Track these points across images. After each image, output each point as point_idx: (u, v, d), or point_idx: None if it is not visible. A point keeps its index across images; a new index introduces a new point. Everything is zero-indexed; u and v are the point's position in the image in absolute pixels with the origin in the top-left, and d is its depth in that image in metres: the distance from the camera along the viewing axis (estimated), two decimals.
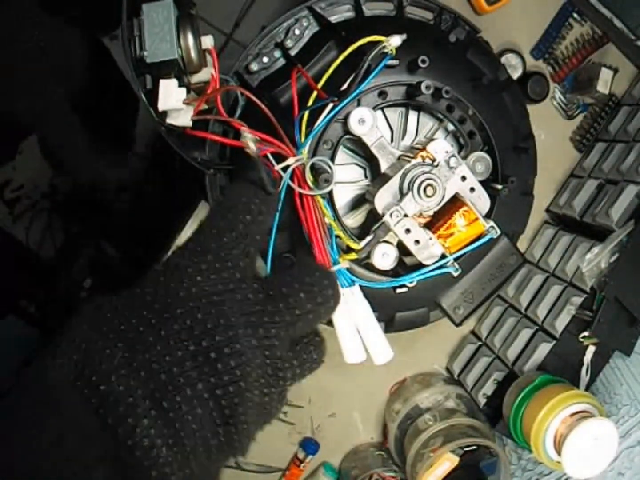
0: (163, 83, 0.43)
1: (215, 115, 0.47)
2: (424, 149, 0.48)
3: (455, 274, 0.50)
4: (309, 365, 0.33)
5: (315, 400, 0.71)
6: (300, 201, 0.48)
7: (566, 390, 0.56)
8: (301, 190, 0.47)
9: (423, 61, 0.48)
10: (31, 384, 0.27)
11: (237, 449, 0.29)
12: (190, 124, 0.45)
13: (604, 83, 0.66)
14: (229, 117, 0.48)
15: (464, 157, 0.50)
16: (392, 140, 0.56)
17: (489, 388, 0.66)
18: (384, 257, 0.49)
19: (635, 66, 0.70)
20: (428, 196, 0.47)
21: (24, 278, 1.15)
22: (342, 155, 0.55)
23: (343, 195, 0.56)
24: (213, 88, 0.46)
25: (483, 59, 0.56)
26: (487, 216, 0.50)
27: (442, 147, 0.48)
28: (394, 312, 0.56)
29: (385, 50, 0.48)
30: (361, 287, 0.50)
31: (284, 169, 0.47)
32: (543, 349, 0.61)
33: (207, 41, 0.46)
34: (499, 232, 0.49)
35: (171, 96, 0.43)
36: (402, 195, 0.48)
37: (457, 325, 0.57)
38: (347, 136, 0.50)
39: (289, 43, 0.53)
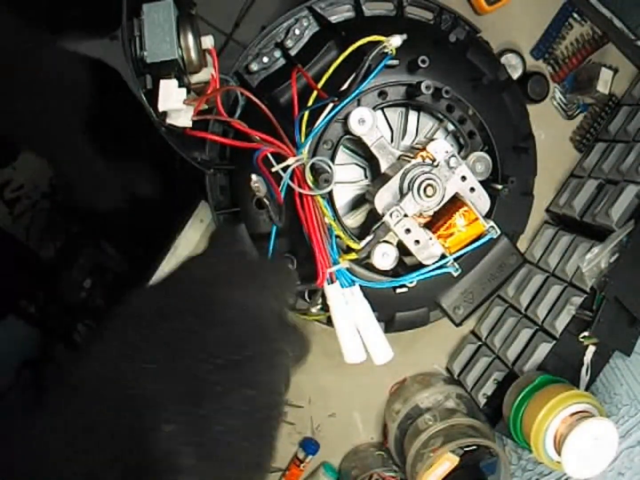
0: (163, 83, 0.43)
1: (215, 115, 0.47)
2: (424, 149, 0.48)
3: (455, 274, 0.50)
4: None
5: (315, 400, 0.71)
6: (300, 201, 0.48)
7: (566, 390, 0.56)
8: (301, 190, 0.47)
9: (423, 61, 0.48)
10: (56, 378, 0.27)
11: (262, 467, 0.28)
12: (190, 124, 0.45)
13: (604, 83, 0.66)
14: (229, 117, 0.48)
15: (464, 157, 0.50)
16: (392, 140, 0.56)
17: (489, 388, 0.66)
18: (384, 257, 0.49)
19: (635, 66, 0.70)
20: (428, 196, 0.47)
21: (24, 278, 1.15)
22: (342, 155, 0.55)
23: (343, 195, 0.56)
24: (213, 88, 0.46)
25: (483, 59, 0.56)
26: (487, 216, 0.50)
27: (442, 147, 0.48)
28: (394, 312, 0.56)
29: (386, 50, 0.48)
30: (361, 287, 0.50)
31: (284, 169, 0.47)
32: (543, 349, 0.61)
33: (207, 41, 0.46)
34: (499, 232, 0.49)
35: (171, 96, 0.43)
36: (402, 195, 0.48)
37: (457, 325, 0.58)
38: (347, 136, 0.50)
39: (289, 43, 0.53)
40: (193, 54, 0.44)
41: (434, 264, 0.50)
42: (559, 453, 0.55)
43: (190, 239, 0.59)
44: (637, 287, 0.57)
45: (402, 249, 0.49)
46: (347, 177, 0.56)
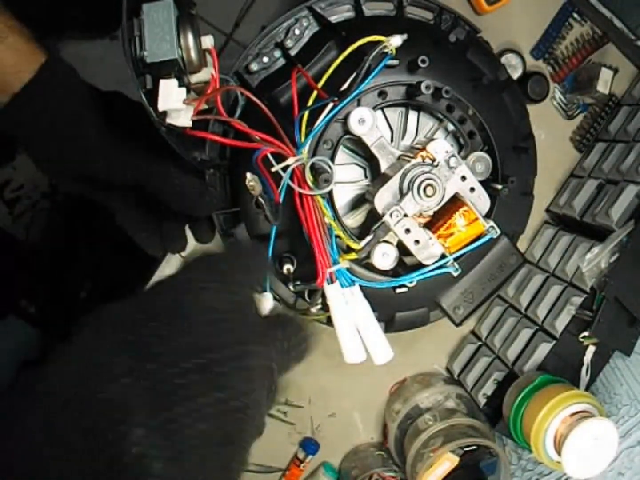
0: (163, 83, 0.42)
1: (215, 115, 0.47)
2: (424, 148, 0.48)
3: (455, 274, 0.50)
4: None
5: (315, 400, 0.71)
6: (300, 201, 0.48)
7: (566, 390, 0.56)
8: (301, 190, 0.47)
9: (423, 61, 0.48)
10: (30, 387, 0.27)
11: (233, 472, 0.28)
12: (190, 124, 0.45)
13: (604, 83, 0.66)
14: (229, 117, 0.48)
15: (464, 157, 0.50)
16: (392, 140, 0.56)
17: (489, 388, 0.66)
18: (384, 257, 0.49)
19: (635, 66, 0.70)
20: (428, 196, 0.47)
21: (24, 278, 1.15)
22: (342, 155, 0.55)
23: (343, 195, 0.56)
24: (213, 88, 0.46)
25: (483, 59, 0.56)
26: (487, 216, 0.50)
27: (442, 147, 0.48)
28: (394, 312, 0.56)
29: (386, 50, 0.48)
30: (361, 287, 0.50)
31: (284, 169, 0.47)
32: (543, 349, 0.61)
33: (207, 41, 0.46)
34: (499, 232, 0.49)
35: (171, 96, 0.43)
36: (402, 195, 0.48)
37: (457, 325, 0.58)
38: (347, 136, 0.50)
39: (289, 43, 0.53)
40: (193, 54, 0.44)
41: (434, 264, 0.50)
42: (559, 453, 0.55)
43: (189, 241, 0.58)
44: (637, 287, 0.57)
45: (402, 249, 0.49)
46: (347, 177, 0.56)
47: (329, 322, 0.51)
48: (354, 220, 0.56)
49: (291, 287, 0.52)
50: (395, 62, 0.50)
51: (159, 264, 0.67)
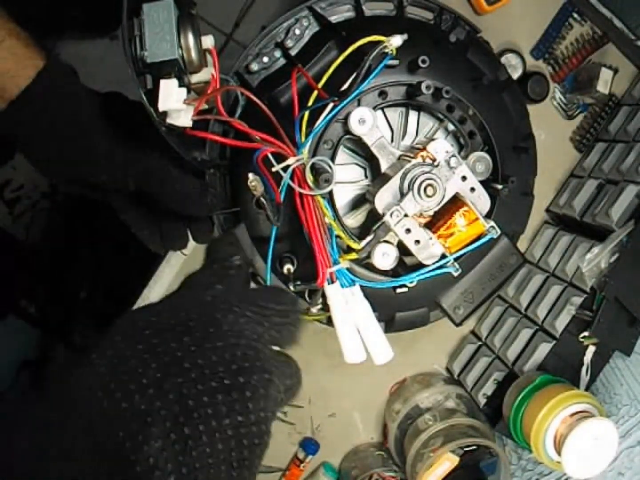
0: (163, 83, 0.42)
1: (216, 115, 0.47)
2: (424, 149, 0.48)
3: (455, 274, 0.50)
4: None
5: (315, 400, 0.71)
6: (301, 201, 0.48)
7: (566, 390, 0.56)
8: (301, 190, 0.47)
9: (423, 61, 0.48)
10: (51, 388, 0.27)
11: None
12: (190, 124, 0.45)
13: (604, 83, 0.66)
14: (229, 117, 0.48)
15: (464, 157, 0.50)
16: (392, 140, 0.56)
17: (489, 388, 0.66)
18: (384, 257, 0.49)
19: (635, 66, 0.70)
20: (428, 196, 0.47)
21: (24, 278, 1.15)
22: (343, 155, 0.55)
23: (343, 195, 0.56)
24: (213, 88, 0.46)
25: (483, 59, 0.56)
26: (487, 216, 0.50)
27: (442, 147, 0.48)
28: (394, 312, 0.56)
29: (386, 50, 0.48)
30: (361, 287, 0.50)
31: (285, 169, 0.47)
32: (543, 349, 0.61)
33: (208, 41, 0.46)
34: (499, 232, 0.49)
35: (171, 96, 0.43)
36: (403, 195, 0.48)
37: (457, 325, 0.58)
38: (348, 136, 0.50)
39: (289, 43, 0.53)
40: (193, 54, 0.44)
41: (434, 264, 0.50)
42: (559, 453, 0.55)
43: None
44: (637, 287, 0.57)
45: (402, 249, 0.49)
46: (347, 177, 0.56)
47: (329, 322, 0.51)
48: (354, 220, 0.56)
49: (291, 287, 0.52)
50: (395, 62, 0.50)
51: (159, 263, 0.67)
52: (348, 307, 0.49)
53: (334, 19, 0.54)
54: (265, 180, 0.47)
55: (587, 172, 0.68)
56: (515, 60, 0.68)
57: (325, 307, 0.50)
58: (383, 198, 0.48)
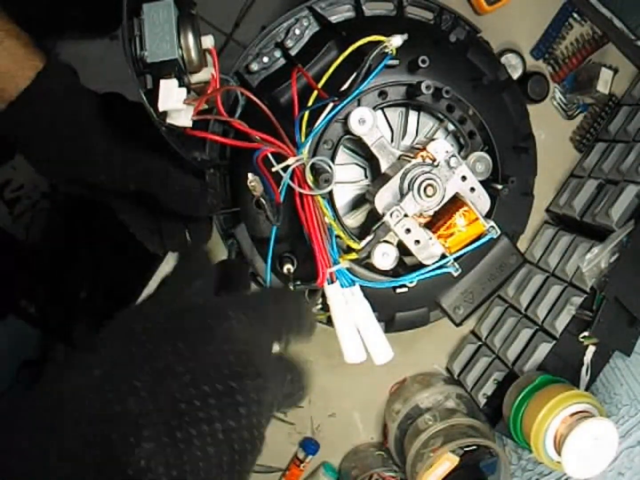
0: (163, 83, 0.42)
1: (216, 115, 0.47)
2: (424, 149, 0.48)
3: (455, 274, 0.50)
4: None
5: (315, 400, 0.71)
6: (301, 201, 0.48)
7: (566, 390, 0.56)
8: (301, 190, 0.47)
9: (423, 61, 0.48)
10: (46, 389, 0.27)
11: None
12: (190, 123, 0.45)
13: (604, 83, 0.66)
14: (229, 117, 0.48)
15: (464, 157, 0.50)
16: (392, 140, 0.56)
17: (489, 388, 0.66)
18: (384, 257, 0.49)
19: (635, 66, 0.70)
20: (428, 196, 0.47)
21: (24, 278, 1.15)
22: (343, 155, 0.55)
23: (343, 195, 0.56)
24: (213, 88, 0.46)
25: (483, 59, 0.56)
26: (487, 216, 0.50)
27: (442, 147, 0.48)
28: (394, 312, 0.56)
29: (386, 50, 0.48)
30: (361, 287, 0.50)
31: (284, 169, 0.47)
32: (543, 349, 0.61)
33: (208, 41, 0.46)
34: (499, 232, 0.49)
35: (171, 96, 0.43)
36: (402, 195, 0.48)
37: (457, 325, 0.58)
38: (348, 136, 0.50)
39: (289, 43, 0.53)
40: (193, 54, 0.44)
41: (434, 264, 0.50)
42: (559, 453, 0.55)
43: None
44: (637, 287, 0.57)
45: (402, 249, 0.49)
46: (347, 177, 0.56)
47: (329, 322, 0.51)
48: (354, 220, 0.56)
49: (291, 287, 0.52)
50: (395, 62, 0.50)
51: (159, 263, 0.67)
52: (348, 307, 0.49)
53: (334, 19, 0.54)
54: (265, 180, 0.47)
55: (587, 172, 0.68)
56: (515, 60, 0.68)
57: (325, 307, 0.50)
58: (383, 198, 0.48)
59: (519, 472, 0.68)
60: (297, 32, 0.54)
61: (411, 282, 0.52)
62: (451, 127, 0.55)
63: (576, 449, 0.54)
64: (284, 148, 0.47)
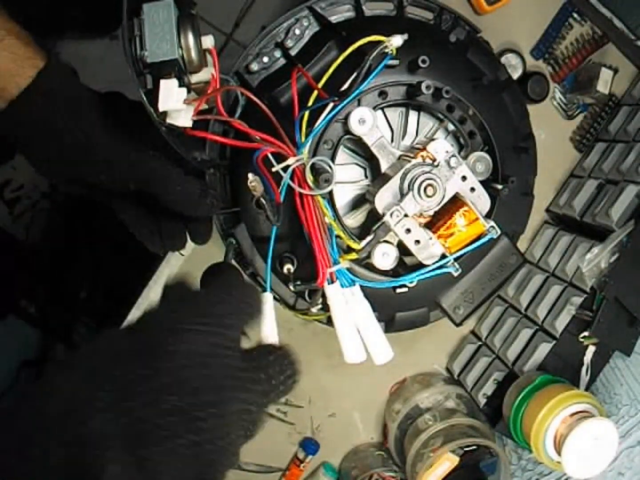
0: (163, 83, 0.42)
1: (216, 115, 0.47)
2: (424, 149, 0.48)
3: (455, 274, 0.50)
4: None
5: (315, 400, 0.71)
6: (301, 201, 0.48)
7: (566, 390, 0.56)
8: (301, 190, 0.47)
9: (423, 61, 0.48)
10: (16, 409, 0.28)
11: None
12: (190, 123, 0.45)
13: (604, 83, 0.66)
14: (229, 117, 0.48)
15: (464, 157, 0.50)
16: (392, 140, 0.56)
17: (489, 388, 0.66)
18: (384, 257, 0.49)
19: (635, 66, 0.70)
20: (428, 196, 0.47)
21: (24, 278, 1.15)
22: (343, 155, 0.55)
23: (343, 195, 0.56)
24: (213, 88, 0.46)
25: (483, 59, 0.56)
26: (487, 216, 0.50)
27: (442, 147, 0.48)
28: (394, 312, 0.56)
29: (386, 50, 0.48)
30: (361, 287, 0.50)
31: (285, 169, 0.47)
32: (543, 349, 0.61)
33: (208, 41, 0.46)
34: (499, 232, 0.49)
35: (171, 96, 0.43)
36: (403, 195, 0.48)
37: (457, 325, 0.58)
38: (348, 136, 0.50)
39: (289, 43, 0.53)
40: (193, 54, 0.44)
41: (434, 264, 0.50)
42: (559, 453, 0.55)
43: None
44: (637, 287, 0.57)
45: (402, 249, 0.49)
46: (347, 177, 0.56)
47: (329, 322, 0.51)
48: (354, 220, 0.56)
49: (291, 287, 0.52)
50: (395, 62, 0.50)
51: (159, 263, 0.67)
52: (348, 307, 0.49)
53: (334, 19, 0.54)
54: (265, 180, 0.47)
55: (587, 172, 0.68)
56: (515, 60, 0.68)
57: (325, 307, 0.50)
58: (383, 198, 0.48)
59: (519, 472, 0.68)
60: (297, 32, 0.54)
61: (411, 282, 0.52)
62: (451, 127, 0.55)
63: (576, 449, 0.54)
64: (284, 148, 0.47)
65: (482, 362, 0.68)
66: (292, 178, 0.47)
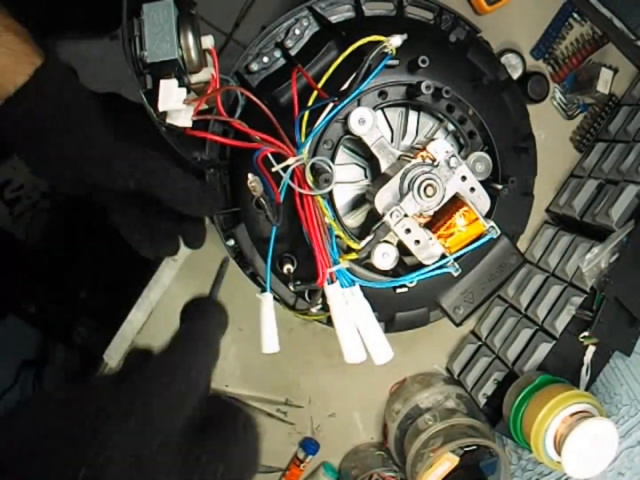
0: (163, 83, 0.43)
1: (215, 115, 0.47)
2: (424, 149, 0.48)
3: (455, 274, 0.50)
4: None
5: (315, 400, 0.71)
6: (300, 201, 0.48)
7: (566, 390, 0.56)
8: (301, 190, 0.47)
9: (423, 61, 0.48)
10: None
11: None
12: (190, 124, 0.45)
13: (604, 83, 0.66)
14: (229, 117, 0.48)
15: (464, 157, 0.50)
16: (392, 140, 0.56)
17: (489, 388, 0.66)
18: (384, 257, 0.49)
19: (635, 66, 0.70)
20: (428, 196, 0.47)
21: (24, 278, 1.15)
22: (342, 155, 0.55)
23: (343, 195, 0.56)
24: (213, 88, 0.46)
25: (483, 59, 0.56)
26: (487, 216, 0.50)
27: (442, 147, 0.48)
28: (394, 312, 0.56)
29: (386, 50, 0.48)
30: (361, 287, 0.50)
31: (284, 169, 0.47)
32: (543, 349, 0.61)
33: (207, 41, 0.46)
34: (499, 232, 0.49)
35: (171, 96, 0.43)
36: (402, 195, 0.48)
37: (457, 325, 0.57)
38: (347, 136, 0.50)
39: (289, 43, 0.53)
40: (193, 54, 0.44)
41: (434, 264, 0.50)
42: (559, 453, 0.55)
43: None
44: (637, 287, 0.57)
45: (402, 249, 0.49)
46: (347, 177, 0.56)
47: (329, 322, 0.51)
48: (354, 220, 0.56)
49: (291, 287, 0.52)
50: (395, 62, 0.50)
51: (159, 263, 0.67)
52: (348, 307, 0.49)
53: (334, 19, 0.54)
54: (265, 181, 0.47)
55: (587, 172, 0.68)
56: (515, 60, 0.68)
57: (325, 307, 0.50)
58: (383, 198, 0.48)
59: (519, 472, 0.68)
60: (297, 32, 0.54)
61: (411, 282, 0.52)
62: (451, 127, 0.55)
63: (576, 449, 0.54)
64: (284, 148, 0.47)
65: (482, 362, 0.68)
66: (292, 178, 0.47)
